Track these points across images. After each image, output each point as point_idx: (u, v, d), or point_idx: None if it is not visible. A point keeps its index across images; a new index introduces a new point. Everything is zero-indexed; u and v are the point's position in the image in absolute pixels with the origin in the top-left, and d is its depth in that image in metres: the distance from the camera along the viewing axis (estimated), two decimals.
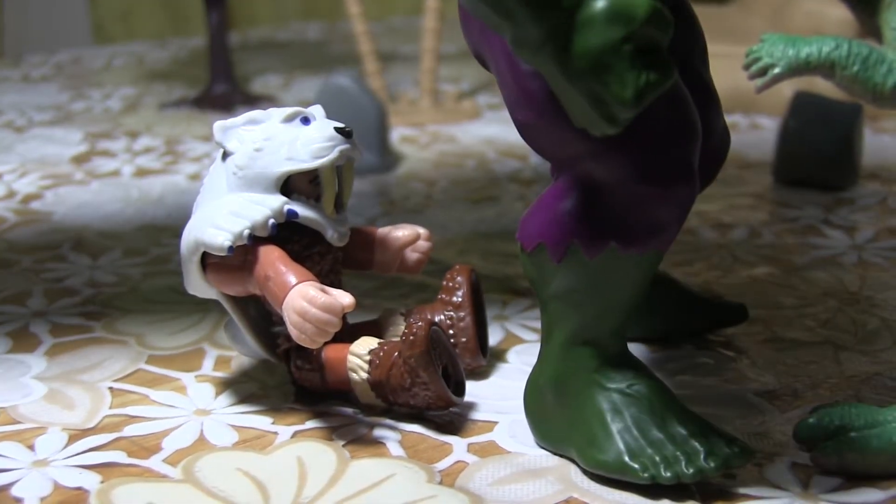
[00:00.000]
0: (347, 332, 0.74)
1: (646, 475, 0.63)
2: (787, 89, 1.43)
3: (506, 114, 1.62)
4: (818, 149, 1.21)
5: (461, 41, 2.24)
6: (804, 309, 0.90)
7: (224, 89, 1.65)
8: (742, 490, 0.64)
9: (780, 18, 1.64)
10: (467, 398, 0.74)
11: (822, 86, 1.38)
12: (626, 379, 0.66)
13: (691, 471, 0.63)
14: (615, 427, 0.65)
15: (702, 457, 0.63)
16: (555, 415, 0.68)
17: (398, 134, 1.50)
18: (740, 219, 1.12)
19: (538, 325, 0.87)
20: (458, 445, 0.69)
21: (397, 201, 1.21)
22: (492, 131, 1.52)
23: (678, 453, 0.63)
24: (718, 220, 1.12)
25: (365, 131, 1.29)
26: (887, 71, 0.60)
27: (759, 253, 1.03)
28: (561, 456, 0.68)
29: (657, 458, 0.63)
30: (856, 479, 0.65)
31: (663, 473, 0.63)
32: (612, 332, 0.67)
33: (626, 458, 0.64)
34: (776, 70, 0.61)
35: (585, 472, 0.66)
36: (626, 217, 0.63)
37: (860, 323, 0.87)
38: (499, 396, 0.76)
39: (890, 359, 0.81)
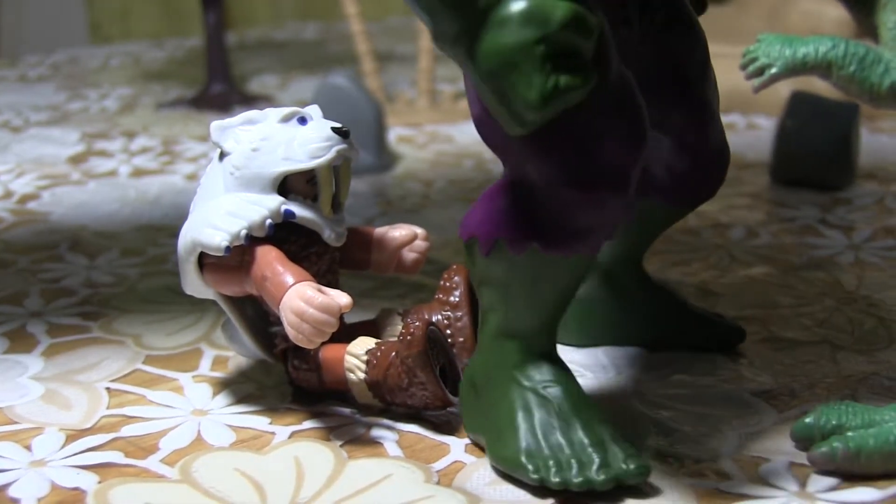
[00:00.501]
0: (345, 333, 0.74)
1: (535, 476, 0.63)
2: (785, 89, 1.43)
3: None
4: (815, 149, 1.21)
5: None
6: (801, 308, 0.90)
7: (221, 89, 1.65)
8: (739, 489, 0.64)
9: (777, 18, 1.64)
10: None
11: (820, 86, 1.38)
12: (543, 379, 0.66)
13: (579, 479, 0.63)
14: (523, 425, 0.65)
15: (594, 467, 0.63)
16: (478, 404, 0.68)
17: (395, 134, 1.50)
18: (738, 219, 1.12)
19: None
20: (455, 445, 0.69)
21: (394, 201, 1.21)
22: None
23: (572, 460, 0.63)
24: (716, 220, 1.12)
25: (362, 131, 1.28)
26: (884, 71, 0.60)
27: (757, 253, 1.03)
28: (480, 447, 0.68)
29: (550, 462, 0.63)
30: (853, 478, 0.65)
31: (552, 478, 0.63)
32: (537, 330, 0.67)
33: (522, 457, 0.64)
34: (773, 70, 0.61)
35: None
36: (552, 219, 0.63)
37: (857, 322, 0.87)
38: None
39: (887, 358, 0.81)
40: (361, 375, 0.71)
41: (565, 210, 0.63)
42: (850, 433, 0.65)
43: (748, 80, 0.62)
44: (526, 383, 0.66)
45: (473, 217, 0.66)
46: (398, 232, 0.79)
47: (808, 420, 0.67)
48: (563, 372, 0.67)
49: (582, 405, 0.66)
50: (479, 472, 0.66)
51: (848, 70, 0.60)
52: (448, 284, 0.78)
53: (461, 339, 0.77)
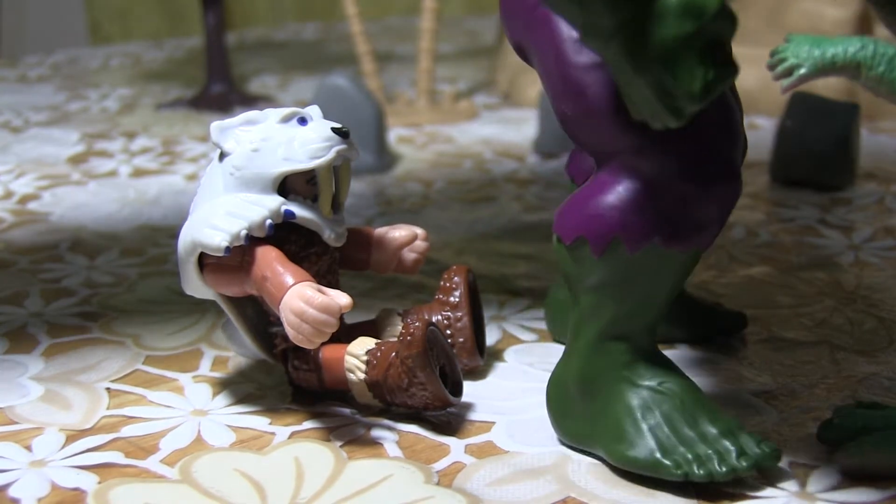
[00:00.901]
0: (345, 333, 0.74)
1: (679, 472, 0.63)
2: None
3: (503, 114, 1.62)
4: (815, 149, 1.21)
5: (459, 41, 2.24)
6: (801, 309, 0.90)
7: (221, 89, 1.65)
8: (740, 489, 0.64)
9: (777, 18, 1.65)
10: (465, 398, 0.74)
11: (820, 86, 1.38)
12: (658, 376, 0.66)
13: (724, 469, 0.63)
14: (646, 424, 0.65)
15: (734, 456, 0.63)
16: (581, 411, 0.68)
17: (395, 134, 1.50)
18: (738, 219, 1.12)
19: (536, 325, 0.87)
20: (455, 446, 0.69)
21: (394, 201, 1.21)
22: (489, 131, 1.52)
23: (710, 452, 0.63)
24: None
25: (362, 131, 1.28)
26: None
27: (757, 253, 1.03)
28: (584, 452, 0.68)
29: (689, 456, 0.63)
30: (855, 478, 0.65)
31: (696, 471, 0.63)
32: (644, 329, 0.67)
33: (659, 455, 0.64)
34: (802, 70, 0.61)
35: (584, 471, 0.66)
36: (670, 214, 0.63)
37: (857, 323, 0.87)
38: (497, 396, 0.75)
39: (887, 359, 0.81)
40: (361, 376, 0.71)
41: (684, 204, 0.63)
42: (877, 434, 0.65)
43: (776, 80, 0.62)
44: (641, 382, 0.66)
45: (574, 217, 0.65)
46: (398, 232, 0.79)
47: (834, 421, 0.67)
48: (673, 367, 0.67)
49: (701, 398, 0.66)
50: (480, 472, 0.66)
51: (877, 70, 0.60)
52: (448, 285, 0.78)
53: (461, 340, 0.77)
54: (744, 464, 0.63)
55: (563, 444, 0.69)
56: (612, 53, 0.57)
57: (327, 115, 0.75)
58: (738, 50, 0.76)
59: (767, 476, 0.65)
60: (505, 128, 1.54)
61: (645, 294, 0.65)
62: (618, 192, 0.64)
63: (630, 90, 0.58)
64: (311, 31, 2.43)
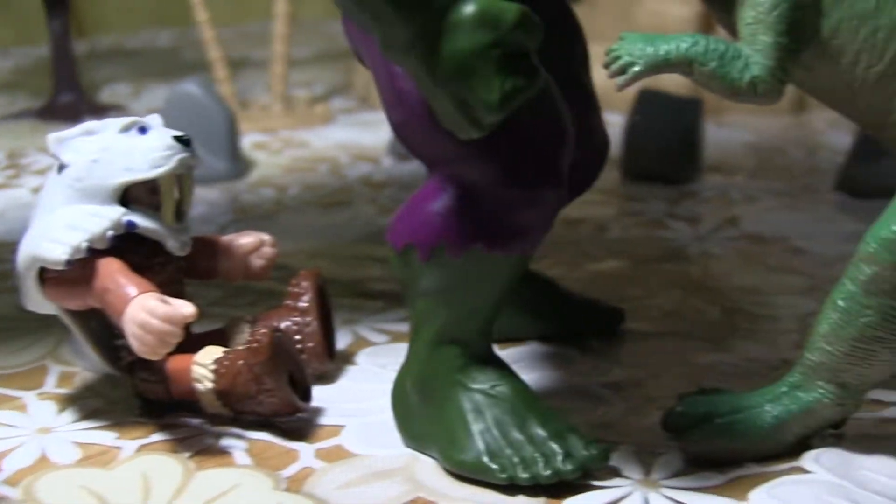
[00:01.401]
0: (193, 343, 0.73)
1: (503, 476, 0.64)
2: (633, 86, 1.46)
3: (359, 117, 1.62)
4: (662, 144, 1.24)
5: (315, 45, 2.24)
6: (649, 300, 0.91)
7: (70, 99, 1.62)
8: (587, 479, 0.65)
9: (627, 17, 1.67)
10: (315, 403, 0.74)
11: (666, 82, 1.41)
12: (490, 380, 0.67)
13: (548, 472, 0.63)
14: (476, 427, 0.65)
15: (559, 459, 0.64)
16: (419, 414, 0.68)
17: (250, 140, 1.49)
18: (588, 214, 1.14)
19: (389, 327, 0.87)
20: (304, 451, 0.69)
21: (248, 208, 1.20)
22: (344, 135, 1.52)
23: (536, 455, 0.64)
24: (567, 216, 1.13)
25: (214, 138, 1.27)
26: (744, 66, 0.61)
27: (607, 247, 1.05)
28: (427, 455, 0.68)
29: (515, 459, 0.64)
30: (697, 464, 0.66)
31: (520, 474, 0.63)
32: (477, 333, 0.67)
33: (485, 459, 0.64)
34: (636, 68, 0.61)
35: (433, 471, 0.66)
36: (493, 219, 0.64)
37: (703, 312, 0.89)
38: (347, 400, 0.76)
39: (730, 347, 0.83)
40: (209, 385, 0.70)
41: (505, 209, 0.63)
42: (719, 420, 0.67)
43: (611, 79, 0.63)
44: (473, 385, 0.67)
45: (406, 224, 0.66)
46: (245, 239, 0.78)
47: (678, 409, 0.68)
48: (506, 370, 0.68)
49: (532, 400, 0.67)
50: (329, 476, 0.66)
51: (709, 66, 0.61)
52: (296, 290, 0.78)
53: (311, 345, 0.76)
54: (569, 466, 0.63)
55: (407, 446, 0.69)
56: (410, 66, 0.57)
57: (178, 123, 0.75)
58: (592, 48, 0.77)
59: (612, 469, 0.66)
60: (361, 131, 1.54)
61: (474, 298, 0.66)
62: (442, 199, 0.64)
63: (433, 101, 0.58)
64: (166, 37, 2.40)
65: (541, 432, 0.65)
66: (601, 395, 0.75)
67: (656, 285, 0.95)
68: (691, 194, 1.21)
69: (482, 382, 0.67)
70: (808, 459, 0.67)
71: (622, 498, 0.64)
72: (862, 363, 0.64)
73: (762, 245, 1.05)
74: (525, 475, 0.63)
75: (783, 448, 0.67)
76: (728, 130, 1.50)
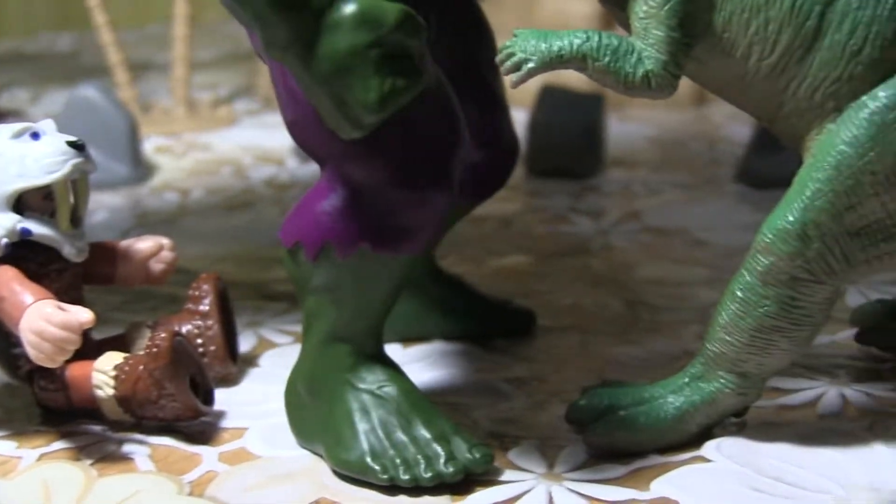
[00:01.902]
0: (93, 349, 0.72)
1: (385, 477, 0.64)
2: (535, 82, 1.47)
3: (262, 118, 1.61)
4: (565, 139, 1.25)
5: (218, 47, 2.22)
6: (553, 295, 0.92)
7: None
8: (491, 476, 0.65)
9: (529, 15, 1.68)
10: (218, 406, 0.73)
11: (568, 78, 1.42)
12: (378, 380, 0.67)
13: (429, 475, 0.63)
14: (361, 427, 0.65)
15: (441, 461, 0.64)
16: (309, 412, 0.68)
17: (152, 144, 1.47)
18: (493, 211, 1.14)
19: (293, 328, 0.87)
20: (208, 455, 0.69)
21: (151, 213, 1.19)
22: (248, 137, 1.51)
23: (419, 456, 0.64)
24: (471, 214, 1.13)
25: (114, 143, 1.26)
26: (637, 60, 0.62)
27: (512, 243, 1.05)
28: (316, 454, 0.68)
29: (398, 461, 0.64)
30: (599, 456, 0.67)
31: (401, 476, 0.64)
32: (366, 332, 0.67)
33: (368, 459, 0.64)
34: (530, 64, 0.62)
35: (336, 472, 0.66)
36: (379, 220, 0.64)
37: (605, 305, 0.90)
38: (250, 402, 0.75)
39: (633, 339, 0.84)
40: (110, 391, 0.70)
41: (393, 209, 0.63)
42: (621, 412, 0.67)
43: (506, 76, 0.63)
44: (361, 385, 0.66)
45: (295, 222, 0.66)
46: (143, 244, 0.77)
47: (581, 402, 0.68)
48: (395, 371, 0.68)
49: (419, 402, 0.67)
50: (232, 479, 0.66)
51: (602, 61, 0.62)
52: (197, 293, 0.78)
53: (213, 348, 0.76)
54: (450, 469, 0.64)
55: (300, 445, 0.69)
56: (290, 64, 0.57)
57: (77, 128, 0.74)
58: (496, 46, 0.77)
59: (511, 464, 0.67)
60: (265, 132, 1.53)
61: (362, 298, 0.66)
62: (331, 198, 0.65)
63: (314, 100, 0.58)
64: (67, 41, 2.37)
65: (425, 434, 0.65)
66: (504, 391, 0.76)
67: (560, 280, 0.96)
68: (594, 189, 1.22)
69: (370, 382, 0.67)
70: (710, 448, 0.68)
71: (526, 492, 0.64)
72: (761, 353, 0.65)
73: (664, 237, 1.06)
74: (406, 477, 0.63)
75: (686, 438, 0.68)
76: (630, 125, 1.52)
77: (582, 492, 0.64)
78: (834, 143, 0.62)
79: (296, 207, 0.66)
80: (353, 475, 0.65)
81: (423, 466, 0.64)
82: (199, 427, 0.72)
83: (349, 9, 0.55)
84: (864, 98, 0.61)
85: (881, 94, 0.61)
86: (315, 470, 0.67)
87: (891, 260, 0.63)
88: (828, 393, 0.74)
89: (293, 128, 0.65)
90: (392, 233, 0.64)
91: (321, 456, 0.67)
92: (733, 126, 1.51)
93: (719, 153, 1.37)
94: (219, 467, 0.67)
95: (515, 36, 0.63)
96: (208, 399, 0.72)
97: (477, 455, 0.64)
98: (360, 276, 0.65)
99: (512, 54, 0.62)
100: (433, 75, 0.63)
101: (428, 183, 0.63)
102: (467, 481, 0.64)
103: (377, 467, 0.64)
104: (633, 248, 1.03)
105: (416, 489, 0.64)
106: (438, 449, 0.64)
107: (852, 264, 0.63)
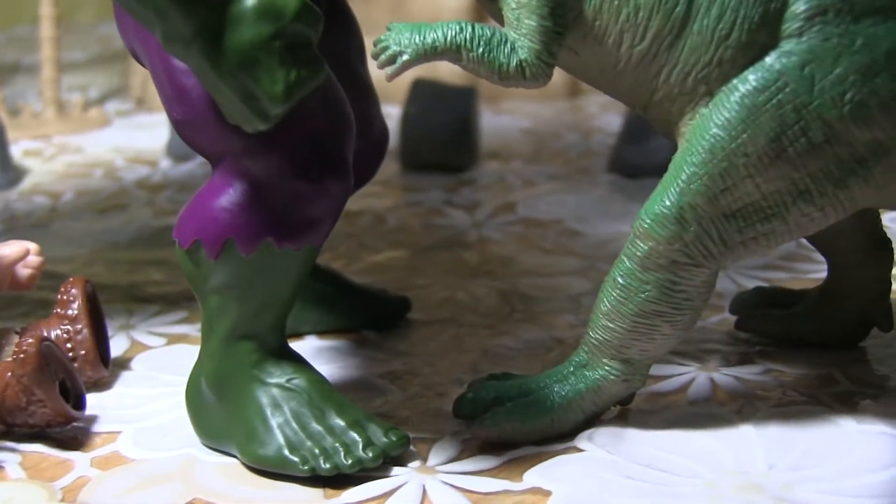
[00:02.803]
0: None
1: (305, 468, 0.64)
2: (407, 76, 1.47)
3: (135, 119, 1.59)
4: (438, 133, 1.25)
5: (89, 48, 2.19)
6: (427, 289, 0.92)
7: None
8: (365, 471, 0.65)
9: (401, 9, 1.68)
10: (90, 411, 0.72)
11: (441, 72, 1.42)
12: (286, 373, 0.67)
13: (350, 461, 0.64)
14: (275, 421, 0.65)
15: (360, 447, 0.64)
16: (216, 411, 0.68)
17: (21, 148, 1.44)
18: (367, 206, 1.15)
19: (165, 330, 0.86)
20: (80, 460, 0.68)
21: (20, 217, 1.17)
22: (121, 138, 1.49)
23: (337, 445, 0.64)
24: (346, 210, 1.13)
25: None
26: (510, 51, 0.63)
27: (387, 238, 1.05)
28: (223, 453, 0.68)
29: (316, 451, 0.64)
30: (474, 448, 0.67)
31: (322, 465, 0.64)
32: (271, 327, 0.67)
33: (286, 452, 0.64)
34: (405, 57, 0.62)
35: (210, 472, 0.66)
36: (281, 213, 0.64)
37: (479, 297, 0.90)
38: (123, 406, 0.74)
39: (507, 329, 0.84)
40: None
41: (294, 202, 0.64)
42: (509, 403, 0.67)
43: (381, 69, 0.63)
44: (269, 380, 0.66)
45: (192, 221, 0.65)
46: (7, 249, 0.76)
47: (468, 395, 0.69)
48: (301, 363, 0.68)
49: (329, 392, 0.67)
50: (105, 484, 0.65)
51: (476, 52, 0.62)
52: (65, 297, 0.76)
53: (83, 352, 0.75)
54: (370, 454, 0.64)
55: (205, 445, 0.69)
56: (193, 60, 0.57)
57: None
58: (368, 40, 0.77)
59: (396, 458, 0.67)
60: (137, 133, 1.51)
61: (266, 293, 0.66)
62: (229, 194, 0.64)
63: (217, 95, 0.58)
64: None
65: (339, 422, 0.65)
66: (379, 386, 0.76)
67: (434, 274, 0.96)
68: (469, 182, 1.23)
69: (278, 376, 0.67)
70: (582, 438, 0.68)
71: (400, 486, 0.64)
72: (644, 338, 0.66)
73: (538, 228, 1.07)
74: (327, 465, 0.64)
75: (573, 427, 0.69)
76: (504, 117, 1.53)
77: (455, 484, 0.64)
78: (707, 126, 0.63)
79: (190, 206, 0.66)
80: (271, 469, 0.65)
81: (342, 454, 0.64)
82: (70, 433, 0.71)
83: (250, 1, 0.55)
84: (734, 81, 0.62)
85: (751, 77, 0.62)
86: (188, 471, 0.66)
87: (767, 241, 0.65)
88: (697, 378, 0.76)
89: (183, 127, 0.65)
90: (294, 225, 0.64)
91: (232, 455, 0.67)
92: (606, 116, 1.53)
93: (592, 143, 1.39)
94: (91, 472, 0.67)
95: (389, 30, 0.63)
96: (79, 404, 0.71)
97: (393, 438, 0.65)
98: (264, 270, 0.65)
99: (386, 47, 0.62)
100: None
101: (326, 172, 0.64)
102: (341, 477, 0.64)
103: (296, 459, 0.64)
104: (507, 240, 1.04)
105: (292, 482, 0.64)
106: (355, 436, 0.65)
107: (729, 246, 0.64)
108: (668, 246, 0.64)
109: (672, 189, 0.64)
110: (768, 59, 0.62)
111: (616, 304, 0.66)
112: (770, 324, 0.80)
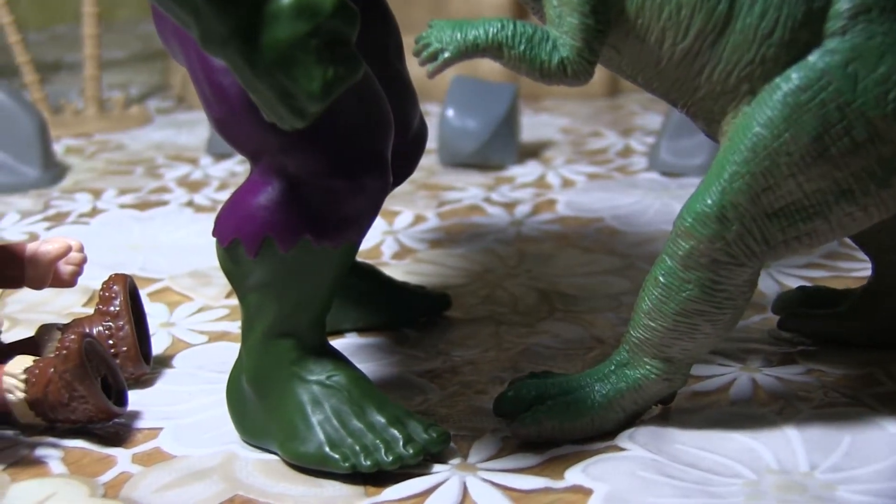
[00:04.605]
0: (3, 353, 0.72)
1: (346, 465, 0.64)
2: (448, 74, 1.47)
3: (176, 117, 1.60)
4: (477, 130, 1.25)
5: (130, 46, 2.20)
6: (468, 287, 0.92)
7: None
8: (407, 468, 0.65)
9: (440, 7, 1.68)
10: (132, 407, 0.73)
11: (482, 70, 1.42)
12: (326, 370, 0.67)
13: (390, 458, 0.64)
14: (315, 418, 0.65)
15: (400, 444, 0.64)
16: (256, 409, 0.68)
17: (63, 145, 1.45)
18: (407, 204, 1.15)
19: (205, 328, 0.87)
20: (122, 456, 0.68)
21: (62, 214, 1.17)
22: (161, 136, 1.50)
23: (378, 442, 0.64)
24: (384, 207, 1.13)
25: (24, 145, 1.25)
26: (552, 48, 0.62)
27: (423, 238, 1.05)
28: (263, 450, 0.68)
29: (357, 448, 0.64)
30: (515, 445, 0.67)
31: (363, 462, 0.64)
32: (310, 325, 0.67)
33: (327, 449, 0.64)
34: (446, 54, 0.62)
35: (250, 468, 0.66)
36: (319, 210, 0.64)
37: (519, 296, 0.90)
38: (164, 402, 0.75)
39: (546, 329, 0.84)
40: (21, 395, 0.69)
41: (332, 199, 0.64)
42: (550, 402, 0.67)
43: (422, 66, 0.63)
44: (310, 377, 0.67)
45: (231, 219, 0.65)
46: (50, 246, 0.76)
47: (509, 394, 0.69)
48: (341, 360, 0.68)
49: (369, 388, 0.67)
50: (146, 480, 0.66)
51: (518, 49, 0.62)
52: (107, 294, 0.77)
53: (124, 349, 0.75)
54: (410, 451, 0.64)
55: (246, 442, 0.69)
56: (230, 59, 0.57)
57: None
58: (406, 40, 0.78)
59: (436, 455, 0.67)
60: (178, 131, 1.52)
61: (305, 291, 0.66)
62: (267, 192, 0.64)
63: (255, 93, 0.58)
64: None
65: (380, 419, 0.65)
66: (418, 384, 0.76)
67: (473, 272, 0.96)
68: (508, 180, 1.23)
69: (318, 373, 0.67)
70: (623, 437, 0.68)
71: (440, 483, 0.64)
72: (685, 337, 0.66)
73: (578, 227, 1.07)
74: (368, 462, 0.64)
75: (614, 426, 0.68)
76: (544, 115, 1.52)
77: (496, 481, 0.64)
78: (749, 125, 0.63)
79: (228, 204, 0.66)
80: (313, 467, 0.65)
81: (383, 451, 0.64)
82: (112, 429, 0.71)
83: (286, 0, 0.55)
84: (776, 80, 0.62)
85: (794, 75, 0.62)
86: (229, 467, 0.67)
87: (809, 240, 0.64)
88: (739, 378, 0.75)
89: (222, 125, 0.65)
90: (332, 222, 0.64)
91: (273, 452, 0.67)
92: (646, 115, 1.52)
93: (632, 142, 1.38)
94: (132, 468, 0.67)
95: (430, 27, 0.63)
96: (121, 400, 0.72)
97: (434, 434, 0.65)
98: (303, 268, 0.65)
99: (428, 44, 0.62)
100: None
101: (364, 169, 0.64)
102: (381, 474, 0.64)
103: (337, 456, 0.64)
104: (547, 239, 1.04)
105: (334, 478, 0.64)
106: (395, 433, 0.65)
107: (771, 245, 0.64)
108: (710, 245, 0.63)
109: (714, 188, 0.63)
110: (811, 58, 0.62)
111: (657, 303, 0.66)
112: (813, 323, 0.80)
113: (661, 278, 0.65)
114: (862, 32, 0.61)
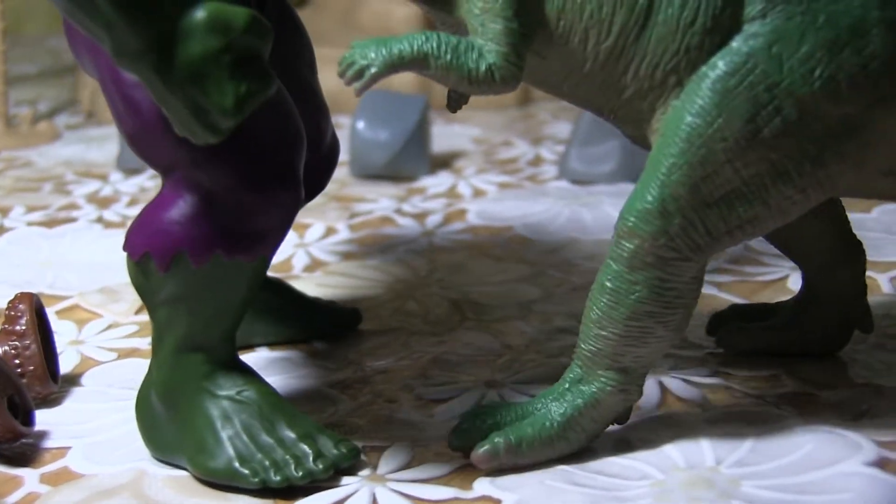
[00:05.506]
0: None
1: (255, 480, 0.64)
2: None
3: (85, 133, 1.59)
4: (388, 142, 1.25)
5: (41, 60, 2.18)
6: (379, 298, 0.93)
7: None
8: (316, 481, 0.65)
9: (350, 19, 1.69)
10: (39, 426, 0.72)
11: (394, 82, 1.43)
12: (236, 385, 0.67)
13: (300, 473, 0.64)
14: (225, 433, 0.65)
15: (310, 459, 0.65)
16: (166, 424, 0.68)
17: None
18: (318, 217, 1.15)
19: (115, 345, 0.86)
20: (29, 476, 0.68)
21: None
22: (70, 151, 1.48)
23: (287, 457, 0.65)
24: (296, 221, 1.13)
25: None
26: (479, 56, 0.62)
27: (335, 250, 1.06)
28: (174, 466, 0.68)
29: (267, 463, 0.64)
30: (425, 456, 0.68)
31: (273, 478, 0.64)
32: (221, 339, 0.67)
33: (236, 465, 0.64)
34: (373, 69, 0.62)
35: (160, 485, 0.66)
36: (232, 224, 0.64)
37: (430, 306, 0.91)
38: (72, 421, 0.74)
39: (457, 337, 0.85)
40: None
41: (245, 213, 0.64)
42: (507, 428, 0.67)
43: (349, 85, 0.62)
44: (219, 392, 0.66)
45: (142, 234, 0.65)
46: None
47: (463, 427, 0.68)
48: (252, 375, 0.68)
49: (280, 403, 0.67)
50: (54, 500, 0.65)
51: (444, 59, 0.62)
52: (13, 313, 0.76)
53: (31, 368, 0.75)
54: (320, 466, 0.65)
55: (156, 458, 0.69)
56: (143, 73, 0.57)
57: None
58: (317, 51, 0.77)
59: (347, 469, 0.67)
60: (87, 147, 1.50)
61: (217, 305, 0.66)
62: (179, 207, 0.64)
63: (167, 108, 0.58)
64: None
65: (290, 434, 0.66)
66: (329, 395, 0.76)
67: (384, 282, 0.96)
68: (419, 190, 1.23)
69: (228, 388, 0.67)
70: None
71: (350, 495, 0.64)
72: (638, 342, 0.66)
73: (489, 236, 1.08)
74: (277, 478, 0.64)
75: (575, 447, 0.67)
76: (455, 126, 1.53)
77: (405, 492, 0.65)
78: (681, 117, 0.63)
79: (140, 219, 0.66)
80: (223, 482, 0.65)
81: (293, 466, 0.64)
82: (19, 449, 0.71)
83: (200, 14, 0.56)
84: (703, 69, 0.63)
85: (720, 62, 0.62)
86: (138, 484, 0.66)
87: (752, 228, 0.64)
88: (647, 383, 0.76)
89: (134, 140, 0.65)
90: (245, 237, 0.64)
91: (182, 468, 0.67)
92: (556, 124, 1.53)
93: (542, 151, 1.40)
94: (41, 488, 0.67)
95: (352, 47, 0.63)
96: (28, 420, 0.71)
97: (344, 450, 0.66)
98: (215, 282, 0.65)
99: (352, 63, 0.62)
100: None
101: (277, 183, 0.64)
102: (291, 489, 0.64)
103: (246, 471, 0.64)
104: (458, 248, 1.04)
105: (259, 493, 0.65)
106: (306, 448, 0.65)
107: (714, 236, 0.64)
108: (654, 241, 0.63)
109: (653, 183, 0.63)
110: (735, 43, 0.62)
111: (607, 310, 0.65)
112: (750, 338, 0.80)
113: (608, 283, 0.65)
114: (781, 14, 0.62)
